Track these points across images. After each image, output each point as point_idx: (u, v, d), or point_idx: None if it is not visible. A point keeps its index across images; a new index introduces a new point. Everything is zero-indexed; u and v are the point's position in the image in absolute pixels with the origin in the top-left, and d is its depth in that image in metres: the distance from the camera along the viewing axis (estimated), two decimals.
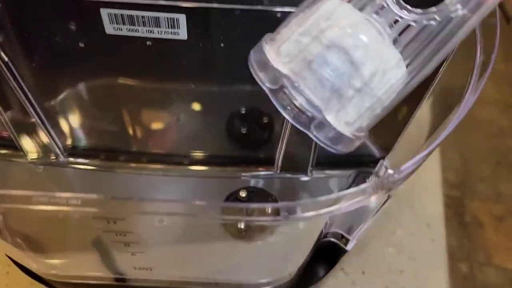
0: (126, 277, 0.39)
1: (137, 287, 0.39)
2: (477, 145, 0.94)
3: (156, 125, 0.39)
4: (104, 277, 0.40)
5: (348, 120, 0.26)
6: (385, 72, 0.24)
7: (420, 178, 0.52)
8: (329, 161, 0.40)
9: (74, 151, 0.40)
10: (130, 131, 0.38)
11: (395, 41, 0.24)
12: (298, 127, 0.27)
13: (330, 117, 0.26)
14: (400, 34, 0.25)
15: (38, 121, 0.36)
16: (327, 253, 0.41)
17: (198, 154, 0.40)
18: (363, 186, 0.26)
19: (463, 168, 0.86)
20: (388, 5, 0.24)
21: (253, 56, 0.26)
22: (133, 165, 0.41)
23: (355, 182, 0.40)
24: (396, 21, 0.25)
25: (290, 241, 0.37)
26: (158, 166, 0.41)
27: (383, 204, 0.33)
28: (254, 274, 0.38)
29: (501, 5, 0.25)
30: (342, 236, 0.39)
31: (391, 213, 0.49)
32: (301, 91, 0.25)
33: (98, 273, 0.39)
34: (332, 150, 0.27)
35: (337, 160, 0.39)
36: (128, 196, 0.27)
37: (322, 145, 0.27)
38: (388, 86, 0.24)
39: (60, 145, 0.40)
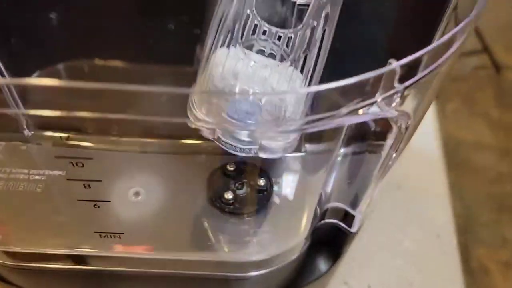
0: (89, 250, 0.34)
1: (105, 273, 0.35)
2: (476, 191, 0.95)
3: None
4: (61, 255, 0.34)
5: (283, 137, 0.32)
6: (282, 99, 0.29)
7: (425, 184, 0.52)
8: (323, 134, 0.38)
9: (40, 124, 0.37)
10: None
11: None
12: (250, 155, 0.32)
13: (264, 142, 0.31)
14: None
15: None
16: (327, 239, 0.39)
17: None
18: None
19: (464, 214, 0.87)
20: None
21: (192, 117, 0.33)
22: (107, 138, 0.38)
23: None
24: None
25: (282, 217, 0.36)
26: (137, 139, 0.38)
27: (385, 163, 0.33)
28: (240, 254, 0.36)
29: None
30: (345, 214, 0.37)
31: (397, 223, 0.49)
32: (233, 136, 0.32)
33: (55, 248, 0.34)
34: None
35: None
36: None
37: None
38: (292, 103, 0.30)
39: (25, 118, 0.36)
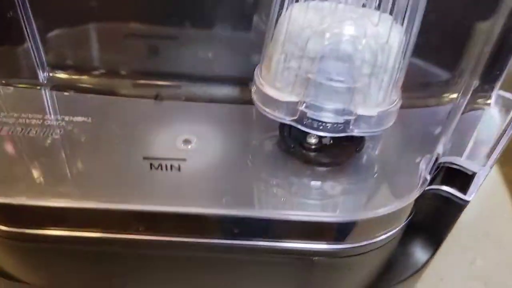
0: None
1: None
2: None
3: None
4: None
5: (377, 101, 0.26)
6: (383, 44, 0.24)
7: (489, 203, 0.48)
8: None
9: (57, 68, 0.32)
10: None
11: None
12: (338, 135, 0.26)
13: (361, 111, 0.25)
14: None
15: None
16: (429, 220, 0.32)
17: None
18: None
19: None
20: None
21: (257, 100, 0.27)
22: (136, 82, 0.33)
23: None
24: None
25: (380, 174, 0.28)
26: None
27: None
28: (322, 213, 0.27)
29: None
30: (457, 179, 0.29)
31: (464, 241, 0.43)
32: (321, 108, 0.26)
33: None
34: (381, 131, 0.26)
35: None
36: None
37: (370, 135, 0.27)
38: (394, 51, 0.24)
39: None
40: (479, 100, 0.27)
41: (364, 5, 0.24)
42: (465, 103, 0.26)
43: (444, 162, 0.29)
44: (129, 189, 0.26)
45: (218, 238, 0.27)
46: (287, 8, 0.24)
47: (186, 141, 0.29)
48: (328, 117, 0.26)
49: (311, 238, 0.27)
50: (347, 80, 0.24)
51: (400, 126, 0.28)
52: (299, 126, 0.26)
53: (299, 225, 0.26)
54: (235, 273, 0.30)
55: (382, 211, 0.26)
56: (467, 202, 0.30)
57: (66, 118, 0.30)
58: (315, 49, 0.24)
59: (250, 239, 0.27)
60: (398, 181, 0.29)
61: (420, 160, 0.28)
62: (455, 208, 0.30)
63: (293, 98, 0.26)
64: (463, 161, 0.28)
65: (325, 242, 0.27)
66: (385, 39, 0.23)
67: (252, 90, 0.28)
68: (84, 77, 0.32)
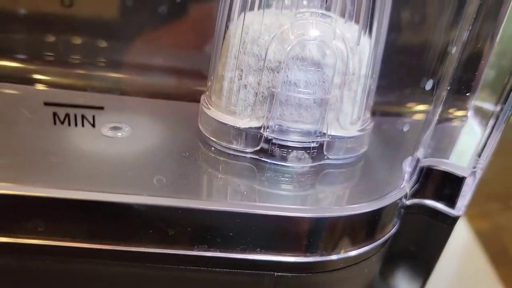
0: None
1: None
2: None
3: None
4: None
5: (352, 118, 0.22)
6: (352, 48, 0.21)
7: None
8: None
9: None
10: None
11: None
12: (310, 165, 0.22)
13: (334, 132, 0.21)
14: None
15: None
16: (414, 244, 0.27)
17: None
18: None
19: None
20: None
21: (207, 132, 0.22)
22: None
23: None
24: None
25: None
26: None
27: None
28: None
29: None
30: (442, 188, 0.25)
31: None
32: (289, 131, 0.21)
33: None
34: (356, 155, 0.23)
35: None
36: None
37: (346, 161, 0.23)
38: (366, 57, 0.21)
39: None
40: (460, 111, 0.25)
41: (325, 14, 0.21)
42: (438, 110, 0.24)
43: (430, 166, 0.25)
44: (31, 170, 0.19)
45: (146, 245, 0.19)
46: (238, 18, 0.21)
47: (115, 128, 0.23)
48: (297, 141, 0.21)
49: (266, 243, 0.20)
50: (317, 91, 0.20)
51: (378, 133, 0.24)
52: (265, 159, 0.22)
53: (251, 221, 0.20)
54: None
55: (357, 207, 0.21)
56: (456, 219, 0.26)
57: None
58: (276, 58, 0.20)
59: (186, 246, 0.20)
60: (378, 180, 0.24)
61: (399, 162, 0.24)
62: (443, 228, 0.26)
63: (254, 123, 0.21)
64: (450, 164, 0.24)
65: (284, 252, 0.20)
66: (354, 43, 0.20)
67: (199, 120, 0.23)
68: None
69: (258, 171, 0.21)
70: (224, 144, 0.22)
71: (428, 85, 0.22)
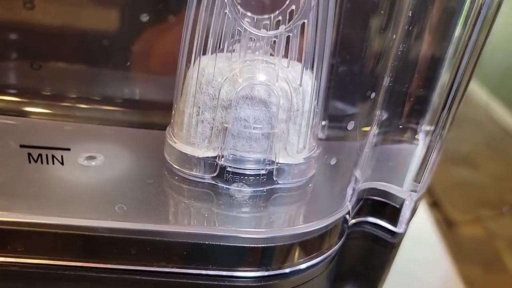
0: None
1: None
2: None
3: None
4: None
5: (298, 147, 0.25)
6: (296, 88, 0.24)
7: None
8: None
9: None
10: None
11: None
12: (261, 189, 0.24)
13: (282, 160, 0.24)
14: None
15: None
16: (360, 264, 0.30)
17: None
18: None
19: None
20: (245, 29, 0.23)
21: (171, 160, 0.25)
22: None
23: None
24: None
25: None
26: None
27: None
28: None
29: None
30: (386, 210, 0.28)
31: None
32: (242, 160, 0.24)
33: None
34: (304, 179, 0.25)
35: None
36: None
37: (295, 184, 0.25)
38: (308, 94, 0.24)
39: None
40: (408, 135, 0.28)
41: (271, 54, 0.24)
42: (372, 133, 0.27)
43: (370, 188, 0.28)
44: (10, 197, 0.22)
45: (110, 262, 0.22)
46: (194, 61, 0.24)
47: (90, 158, 0.26)
48: (249, 169, 0.24)
49: (217, 260, 0.23)
50: (264, 126, 0.23)
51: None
52: (220, 184, 0.24)
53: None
54: None
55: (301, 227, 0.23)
56: (398, 237, 0.29)
57: None
58: (228, 97, 0.23)
59: (146, 263, 0.22)
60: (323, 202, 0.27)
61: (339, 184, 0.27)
62: (386, 246, 0.29)
63: (211, 153, 0.24)
64: (389, 186, 0.27)
65: (234, 267, 0.23)
66: (297, 83, 0.23)
67: (165, 150, 0.26)
68: None
69: (214, 196, 0.24)
70: (185, 171, 0.25)
71: (350, 126, 0.25)
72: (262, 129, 0.23)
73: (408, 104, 0.26)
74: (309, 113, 0.24)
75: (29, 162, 0.24)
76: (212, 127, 0.24)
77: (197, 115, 0.24)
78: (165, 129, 0.26)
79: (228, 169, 0.24)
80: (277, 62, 0.23)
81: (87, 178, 0.24)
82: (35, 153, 0.24)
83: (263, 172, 0.24)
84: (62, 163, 0.24)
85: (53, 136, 0.28)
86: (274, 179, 0.25)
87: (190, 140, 0.24)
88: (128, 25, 0.28)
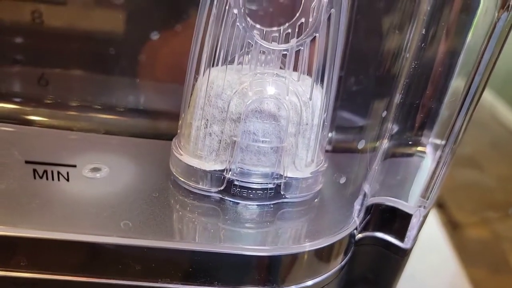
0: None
1: None
2: None
3: None
4: None
5: (306, 161, 0.24)
6: (306, 102, 0.23)
7: None
8: None
9: None
10: None
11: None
12: (268, 203, 0.24)
13: (290, 174, 0.24)
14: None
15: None
16: (371, 266, 0.30)
17: None
18: None
19: None
20: (256, 42, 0.23)
21: (177, 173, 0.25)
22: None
23: None
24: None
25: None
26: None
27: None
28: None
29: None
30: (393, 228, 0.28)
31: None
32: (249, 174, 0.24)
33: None
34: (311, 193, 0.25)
35: None
36: None
37: (302, 199, 0.25)
38: (318, 108, 0.24)
39: None
40: (417, 148, 0.27)
41: (281, 68, 0.24)
42: (382, 149, 0.26)
43: (379, 203, 0.28)
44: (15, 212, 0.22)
45: (116, 278, 0.22)
46: (204, 73, 0.23)
47: (95, 170, 0.25)
48: (257, 183, 0.24)
49: (222, 277, 0.23)
50: (273, 140, 0.23)
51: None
52: (227, 198, 0.24)
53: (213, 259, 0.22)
54: None
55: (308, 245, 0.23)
56: (406, 252, 0.28)
57: None
58: (237, 110, 0.23)
59: (151, 279, 0.22)
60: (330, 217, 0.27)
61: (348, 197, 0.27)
62: (395, 258, 0.29)
63: (218, 167, 0.24)
64: (397, 202, 0.27)
65: (245, 285, 0.23)
66: (307, 96, 0.23)
67: (170, 162, 0.25)
68: None
69: (220, 211, 0.24)
70: (191, 184, 0.24)
71: (360, 145, 0.25)
72: (271, 142, 0.23)
73: (417, 118, 0.26)
74: (318, 127, 0.24)
75: (34, 178, 0.24)
76: (220, 140, 0.23)
77: (205, 128, 0.23)
78: (171, 140, 0.26)
79: (236, 182, 0.24)
80: (287, 76, 0.23)
81: (92, 192, 0.24)
82: (40, 169, 0.24)
83: (270, 186, 0.24)
84: (68, 180, 0.24)
85: (58, 146, 0.27)
86: (282, 193, 0.24)
87: (197, 152, 0.24)
88: (136, 35, 0.28)
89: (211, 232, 0.23)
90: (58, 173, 0.24)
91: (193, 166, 0.24)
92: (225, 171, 0.23)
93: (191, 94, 0.24)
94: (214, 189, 0.24)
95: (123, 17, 0.28)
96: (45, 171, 0.24)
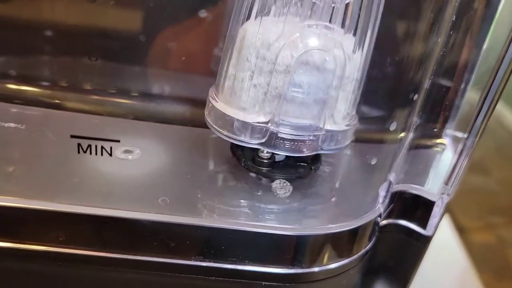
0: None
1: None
2: None
3: None
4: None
5: (343, 114, 0.25)
6: (349, 55, 0.24)
7: None
8: None
9: None
10: None
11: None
12: (307, 154, 0.25)
13: (329, 127, 0.25)
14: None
15: None
16: (390, 261, 0.32)
17: None
18: None
19: None
20: None
21: (215, 124, 0.25)
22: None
23: None
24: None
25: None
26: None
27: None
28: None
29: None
30: (416, 215, 0.30)
31: None
32: (292, 126, 0.24)
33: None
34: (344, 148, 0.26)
35: None
36: None
37: (335, 151, 0.26)
38: (359, 63, 0.24)
39: None
40: (438, 140, 0.29)
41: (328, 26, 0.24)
42: (409, 137, 0.28)
43: (402, 191, 0.29)
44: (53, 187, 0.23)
45: (150, 255, 0.23)
46: (252, 22, 0.23)
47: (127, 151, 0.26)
48: (297, 135, 0.24)
49: (254, 256, 0.24)
50: (318, 92, 0.24)
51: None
52: (268, 149, 0.25)
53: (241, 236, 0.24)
54: None
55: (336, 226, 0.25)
56: (427, 239, 0.30)
57: None
58: (284, 62, 0.23)
59: (188, 257, 0.23)
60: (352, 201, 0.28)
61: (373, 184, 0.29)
62: (416, 246, 0.31)
63: (262, 119, 0.24)
64: (420, 189, 0.29)
65: (273, 264, 0.24)
66: (350, 50, 0.24)
67: (206, 113, 0.25)
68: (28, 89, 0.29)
69: (254, 190, 0.25)
70: (231, 135, 0.24)
71: (392, 126, 0.26)
72: (315, 94, 0.24)
73: (441, 109, 0.27)
74: (356, 81, 0.25)
75: (78, 152, 0.24)
76: (266, 92, 0.23)
77: (249, 80, 0.23)
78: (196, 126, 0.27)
79: (278, 135, 0.24)
80: (336, 28, 0.23)
81: (126, 171, 0.25)
82: (84, 143, 0.25)
83: (311, 138, 0.25)
84: (111, 154, 0.25)
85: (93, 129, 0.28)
86: (319, 144, 0.25)
87: (240, 104, 0.24)
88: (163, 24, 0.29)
89: (244, 211, 0.24)
90: (102, 147, 0.24)
91: (235, 118, 0.24)
92: (268, 123, 0.24)
93: (234, 45, 0.24)
94: (254, 141, 0.24)
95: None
96: (89, 146, 0.24)
